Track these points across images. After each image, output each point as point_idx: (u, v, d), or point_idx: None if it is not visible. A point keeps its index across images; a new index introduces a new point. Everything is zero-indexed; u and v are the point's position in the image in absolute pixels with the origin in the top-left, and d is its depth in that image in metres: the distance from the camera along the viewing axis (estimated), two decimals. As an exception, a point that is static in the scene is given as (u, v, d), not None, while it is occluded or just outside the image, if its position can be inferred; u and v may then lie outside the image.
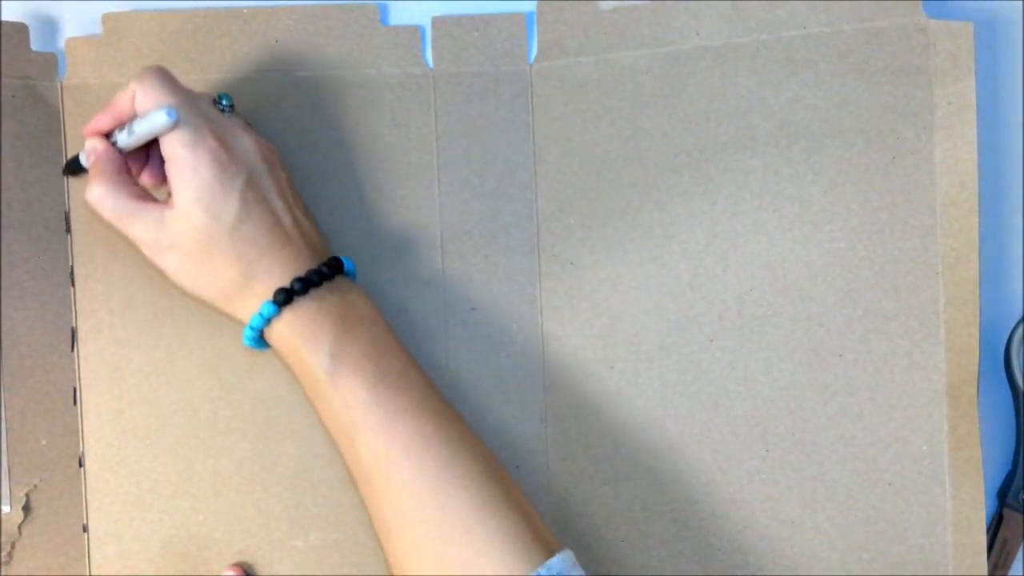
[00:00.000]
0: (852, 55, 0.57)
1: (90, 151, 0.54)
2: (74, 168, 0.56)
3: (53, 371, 0.59)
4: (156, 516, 0.59)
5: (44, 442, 0.59)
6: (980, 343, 0.57)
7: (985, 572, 0.57)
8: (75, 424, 0.59)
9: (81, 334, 0.59)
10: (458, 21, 0.60)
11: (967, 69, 0.56)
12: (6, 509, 0.58)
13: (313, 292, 0.52)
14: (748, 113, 0.58)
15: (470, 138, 0.60)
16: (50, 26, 0.60)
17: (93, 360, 0.59)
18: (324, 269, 0.53)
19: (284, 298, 0.52)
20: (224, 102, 0.55)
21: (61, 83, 0.59)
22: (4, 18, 0.59)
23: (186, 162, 0.51)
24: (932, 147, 0.57)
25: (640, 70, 0.59)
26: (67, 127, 0.59)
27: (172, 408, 0.59)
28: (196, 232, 0.52)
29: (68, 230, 0.59)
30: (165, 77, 0.53)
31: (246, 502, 0.59)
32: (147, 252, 0.53)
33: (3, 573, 0.58)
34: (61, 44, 0.60)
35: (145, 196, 0.53)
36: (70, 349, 0.59)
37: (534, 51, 0.60)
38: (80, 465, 0.59)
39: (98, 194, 0.53)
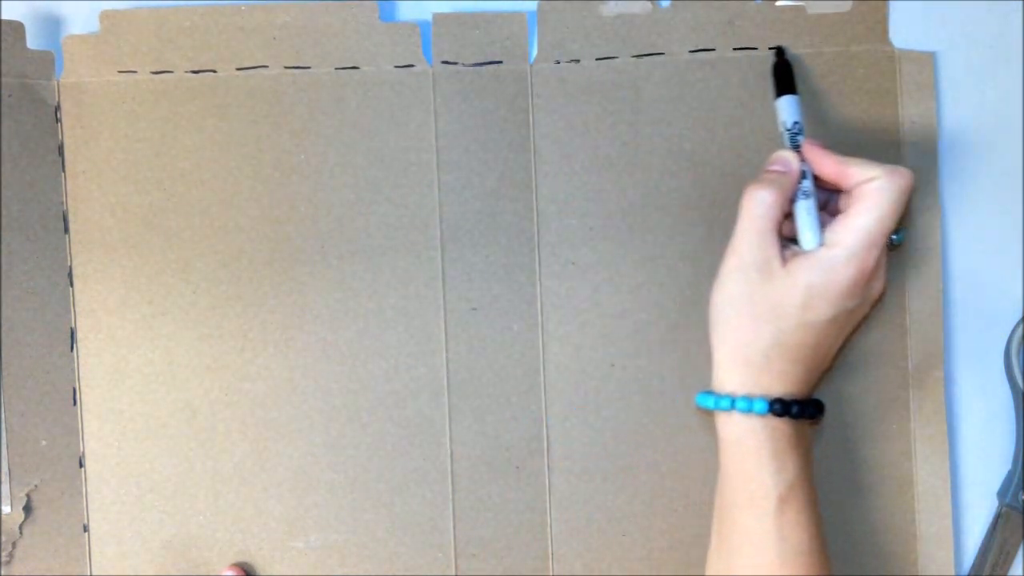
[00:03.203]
0: (831, 75, 0.60)
1: (783, 160, 0.54)
2: (782, 72, 0.58)
3: (53, 371, 0.59)
4: (156, 516, 0.59)
5: (44, 442, 0.59)
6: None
7: (951, 535, 0.60)
8: (75, 424, 0.59)
9: (80, 334, 0.59)
10: (459, 19, 0.59)
11: (929, 92, 0.60)
12: (7, 509, 0.58)
13: (798, 421, 0.52)
14: (740, 123, 0.60)
15: (470, 137, 0.59)
16: (49, 24, 0.60)
17: (92, 360, 0.59)
18: (812, 409, 0.53)
19: (780, 409, 0.51)
20: (895, 238, 0.55)
21: (58, 81, 0.59)
22: (2, 16, 0.59)
23: (834, 271, 0.51)
24: (900, 159, 0.60)
25: (640, 76, 0.59)
26: (64, 126, 0.59)
27: (172, 408, 0.59)
28: (782, 297, 0.51)
29: (66, 230, 0.59)
30: (906, 197, 0.52)
31: (246, 502, 0.59)
32: (731, 258, 0.53)
33: (4, 573, 0.58)
34: (60, 42, 0.59)
35: (779, 228, 0.53)
36: (69, 349, 0.59)
37: (535, 51, 0.59)
38: (80, 465, 0.59)
39: (763, 197, 0.52)
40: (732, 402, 0.52)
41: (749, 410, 0.51)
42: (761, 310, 0.52)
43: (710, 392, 0.53)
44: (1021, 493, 0.60)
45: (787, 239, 0.54)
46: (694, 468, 0.60)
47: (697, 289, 0.59)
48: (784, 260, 0.52)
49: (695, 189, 0.59)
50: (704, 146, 0.60)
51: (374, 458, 0.59)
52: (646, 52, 0.59)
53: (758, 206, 0.52)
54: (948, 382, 0.61)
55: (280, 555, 0.59)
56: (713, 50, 0.60)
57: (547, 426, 0.60)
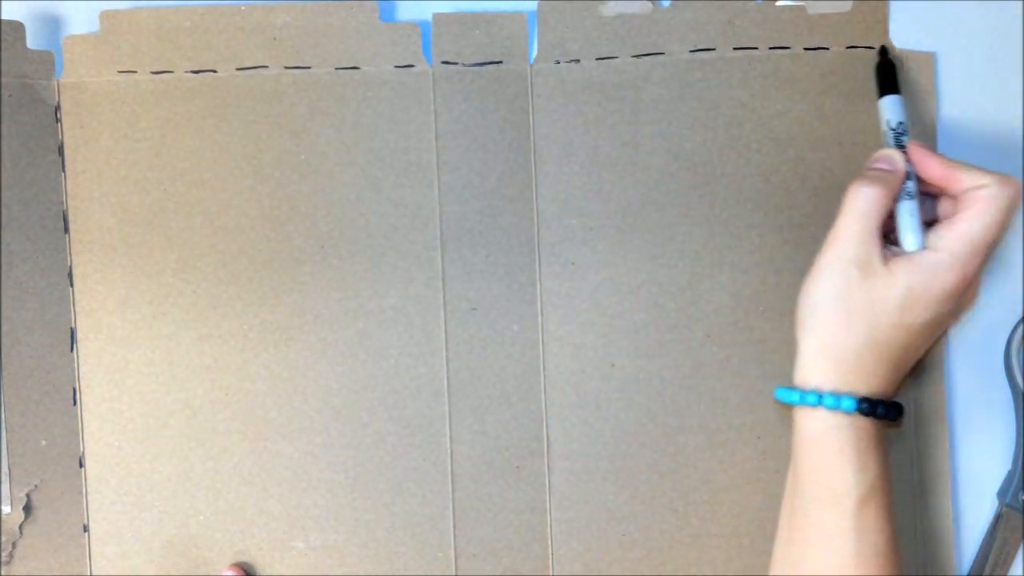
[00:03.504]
0: (833, 74, 0.60)
1: (888, 159, 0.54)
2: (886, 71, 0.58)
3: (53, 371, 0.59)
4: (156, 516, 0.59)
5: (44, 442, 0.59)
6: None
7: (951, 535, 0.60)
8: (75, 424, 0.59)
9: (80, 334, 0.59)
10: (459, 18, 0.59)
11: (929, 92, 0.61)
12: (7, 509, 0.58)
13: (882, 421, 0.52)
14: (741, 123, 0.60)
15: (470, 137, 0.59)
16: (49, 24, 0.60)
17: (93, 360, 0.59)
18: (895, 411, 0.52)
19: (867, 408, 0.51)
20: None
21: (58, 81, 0.59)
22: (2, 16, 0.59)
23: (936, 275, 0.51)
24: None
25: (640, 76, 0.59)
26: (64, 126, 0.59)
27: (172, 408, 0.59)
28: (880, 296, 0.51)
29: (66, 230, 0.59)
30: (1016, 207, 0.51)
31: (246, 502, 0.59)
32: (830, 251, 0.52)
33: (4, 573, 0.58)
34: (60, 43, 0.59)
35: (881, 228, 0.52)
36: (69, 349, 0.59)
37: (535, 51, 0.59)
38: (80, 465, 0.59)
39: (869, 194, 0.51)
40: (819, 398, 0.51)
41: (837, 407, 0.51)
42: (858, 307, 0.51)
43: (793, 387, 0.53)
44: (1021, 493, 0.60)
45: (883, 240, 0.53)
46: (694, 468, 0.60)
47: (697, 289, 0.59)
48: (884, 259, 0.52)
49: (695, 189, 0.59)
50: (704, 146, 0.60)
51: (374, 458, 0.59)
52: (646, 52, 0.59)
53: (864, 203, 0.51)
54: (948, 382, 0.61)
55: (280, 555, 0.59)
56: (713, 50, 0.60)
57: (547, 426, 0.60)
